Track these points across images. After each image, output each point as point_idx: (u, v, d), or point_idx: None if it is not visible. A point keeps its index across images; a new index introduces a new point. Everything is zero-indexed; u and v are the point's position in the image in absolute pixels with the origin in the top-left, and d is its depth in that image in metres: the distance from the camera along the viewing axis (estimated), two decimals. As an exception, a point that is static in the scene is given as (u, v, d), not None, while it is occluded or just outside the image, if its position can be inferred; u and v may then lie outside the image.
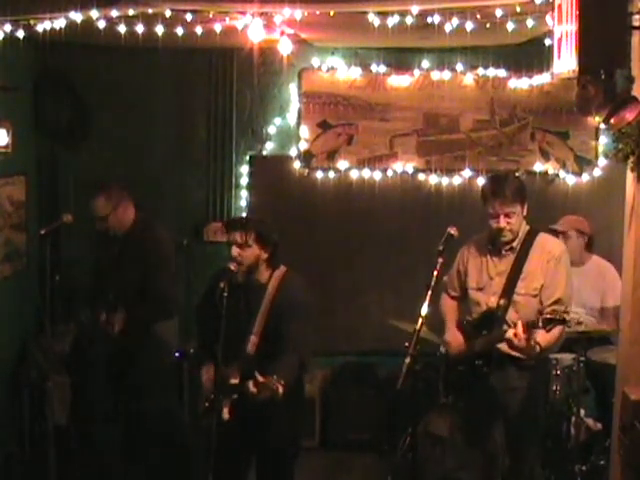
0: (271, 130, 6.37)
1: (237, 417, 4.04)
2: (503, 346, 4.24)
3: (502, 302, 4.28)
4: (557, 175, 6.19)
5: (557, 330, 4.15)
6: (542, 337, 4.12)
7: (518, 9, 4.36)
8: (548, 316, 4.04)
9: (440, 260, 3.97)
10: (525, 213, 4.33)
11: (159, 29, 4.78)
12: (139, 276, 5.06)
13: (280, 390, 3.79)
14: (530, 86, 6.08)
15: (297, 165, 6.32)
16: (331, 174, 6.30)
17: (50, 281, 5.12)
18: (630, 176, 4.11)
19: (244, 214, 6.32)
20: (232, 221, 4.58)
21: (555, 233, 5.31)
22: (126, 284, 5.09)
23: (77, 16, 4.56)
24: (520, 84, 6.09)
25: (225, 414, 4.01)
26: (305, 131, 6.28)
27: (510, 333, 4.09)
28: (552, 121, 6.12)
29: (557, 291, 4.25)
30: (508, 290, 4.29)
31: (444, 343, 4.57)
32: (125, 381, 5.19)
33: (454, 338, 4.48)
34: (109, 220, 5.10)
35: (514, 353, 4.22)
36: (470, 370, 4.36)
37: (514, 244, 4.34)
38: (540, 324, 4.03)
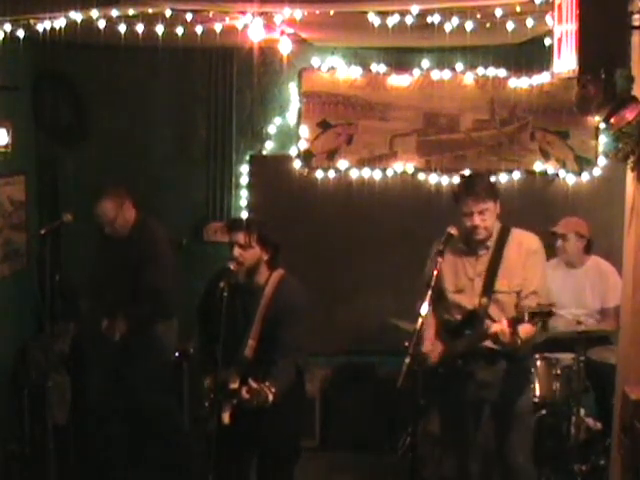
0: (271, 130, 6.37)
1: (238, 419, 4.04)
2: (489, 343, 4.23)
3: (483, 301, 4.26)
4: (557, 175, 6.19)
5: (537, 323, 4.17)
6: (522, 330, 4.12)
7: (518, 9, 4.36)
8: (536, 310, 4.04)
9: (440, 260, 3.96)
10: (498, 211, 4.30)
11: (159, 29, 4.78)
12: (135, 275, 5.05)
13: (270, 398, 3.80)
14: (530, 86, 6.08)
15: (297, 165, 6.32)
16: (331, 174, 6.30)
17: (50, 281, 5.12)
18: (630, 176, 4.11)
19: (244, 214, 6.32)
20: (235, 221, 4.57)
21: (555, 235, 5.32)
22: (125, 285, 5.08)
23: (77, 16, 4.57)
24: (520, 84, 6.09)
25: (225, 419, 4.02)
26: (305, 131, 6.28)
27: (496, 328, 4.08)
28: (552, 121, 6.12)
29: (532, 283, 4.24)
30: (487, 288, 4.27)
31: (423, 355, 4.37)
32: (124, 381, 5.19)
33: (433, 348, 4.37)
34: (116, 223, 5.11)
35: (498, 348, 4.21)
36: (452, 371, 4.33)
37: (489, 243, 4.31)
38: (526, 318, 4.02)
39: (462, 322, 4.32)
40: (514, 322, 4.06)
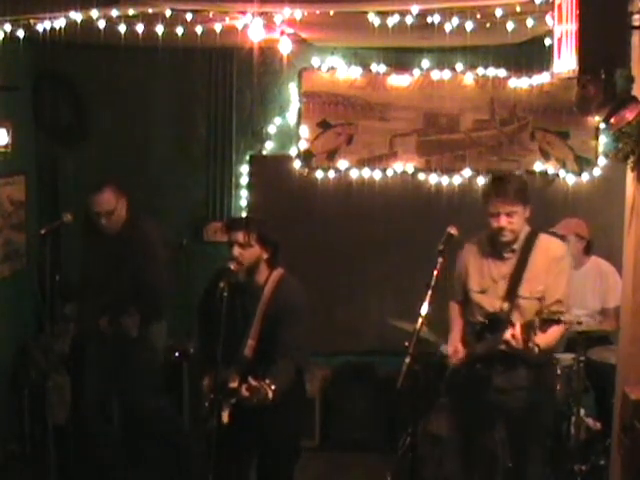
0: (271, 130, 6.37)
1: (238, 419, 4.04)
2: (505, 348, 4.22)
3: (505, 305, 4.26)
4: (557, 175, 6.19)
5: (556, 331, 4.14)
6: (540, 338, 4.11)
7: (518, 9, 4.36)
8: (544, 317, 4.03)
9: (440, 260, 3.96)
10: (527, 215, 4.30)
11: (159, 29, 4.78)
12: (129, 275, 5.04)
13: (270, 395, 3.79)
14: (530, 86, 6.08)
15: (297, 165, 6.32)
16: (331, 174, 6.30)
17: (50, 281, 5.12)
18: (630, 176, 4.11)
19: (244, 214, 6.32)
20: (234, 221, 4.57)
21: (554, 236, 5.31)
22: (116, 284, 5.07)
23: (77, 16, 4.56)
24: (520, 84, 6.09)
25: (225, 418, 4.02)
26: (305, 131, 6.28)
27: (508, 334, 4.08)
28: (552, 121, 6.12)
29: (557, 292, 4.23)
30: (511, 293, 4.26)
31: (447, 355, 4.50)
32: (118, 381, 5.18)
33: (454, 351, 4.41)
34: (113, 215, 5.08)
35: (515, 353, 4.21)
36: (471, 374, 4.34)
37: (515, 246, 4.29)
38: (537, 324, 4.02)
39: (484, 325, 4.31)
40: (526, 328, 4.05)
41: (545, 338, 4.10)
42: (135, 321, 5.00)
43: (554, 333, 4.14)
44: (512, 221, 4.20)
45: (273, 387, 3.80)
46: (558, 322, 4.02)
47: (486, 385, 4.29)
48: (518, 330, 4.04)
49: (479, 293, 4.37)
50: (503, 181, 4.28)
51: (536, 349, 4.09)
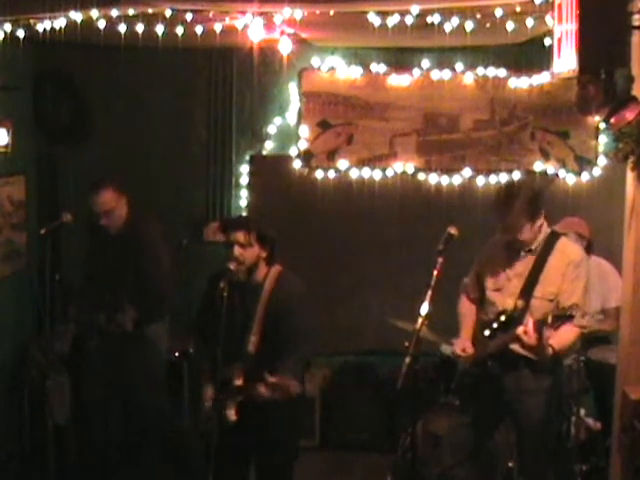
0: (271, 130, 6.36)
1: (239, 418, 4.04)
2: (517, 347, 4.23)
3: (519, 304, 4.26)
4: (557, 175, 6.19)
5: (570, 332, 4.15)
6: (555, 339, 4.11)
7: (518, 9, 4.36)
8: (557, 313, 4.03)
9: (440, 260, 3.97)
10: (540, 223, 4.30)
11: (159, 29, 4.78)
12: (132, 274, 5.04)
13: (296, 389, 3.80)
14: (530, 86, 6.08)
15: (297, 165, 6.32)
16: (331, 174, 6.30)
17: (50, 281, 5.12)
18: (630, 176, 4.11)
19: (244, 214, 6.32)
20: (232, 221, 4.57)
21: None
22: (120, 282, 5.07)
23: (77, 16, 4.56)
24: (520, 84, 6.09)
25: (232, 416, 4.01)
26: (305, 131, 6.28)
27: (520, 330, 4.08)
28: (552, 121, 6.12)
29: (573, 296, 4.23)
30: (526, 292, 4.27)
31: (455, 353, 4.50)
32: (119, 381, 5.18)
33: (463, 350, 4.41)
34: (111, 216, 5.09)
35: (527, 354, 4.20)
36: (482, 371, 4.34)
37: (533, 246, 4.32)
38: (550, 321, 4.02)
39: (497, 323, 4.32)
40: (539, 325, 4.05)
41: (559, 339, 4.12)
42: (130, 316, 5.01)
43: (568, 335, 4.16)
44: (520, 234, 4.22)
45: (294, 381, 3.81)
46: (570, 318, 4.02)
47: (496, 385, 4.30)
48: (531, 326, 4.04)
49: (494, 291, 4.40)
50: (507, 197, 4.26)
51: (550, 350, 4.10)
